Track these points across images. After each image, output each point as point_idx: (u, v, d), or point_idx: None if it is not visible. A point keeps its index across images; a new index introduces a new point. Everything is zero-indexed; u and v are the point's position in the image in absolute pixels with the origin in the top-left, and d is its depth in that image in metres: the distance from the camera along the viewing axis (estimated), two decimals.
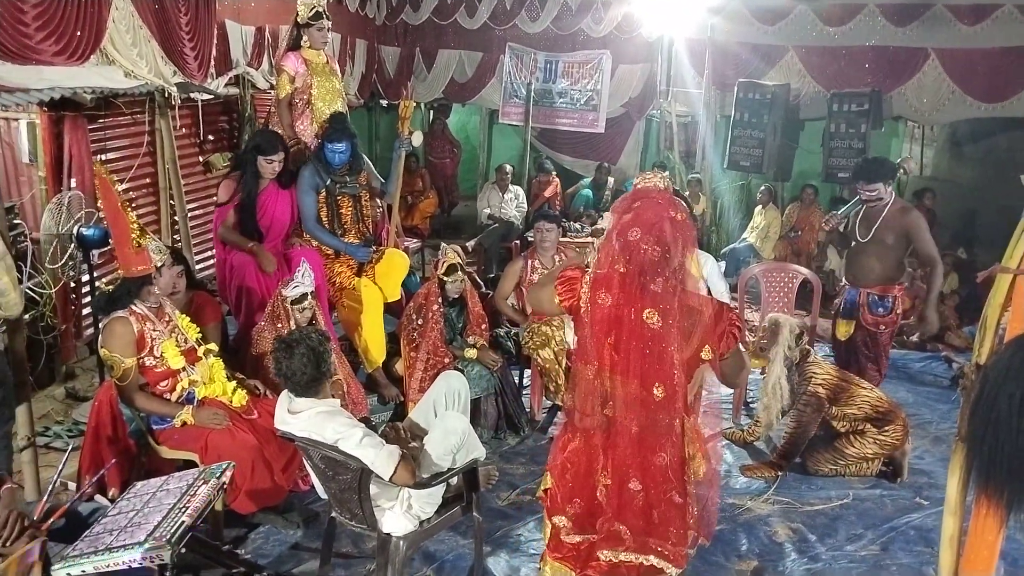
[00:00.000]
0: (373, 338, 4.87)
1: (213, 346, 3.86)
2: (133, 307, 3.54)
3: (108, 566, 2.52)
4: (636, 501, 2.34)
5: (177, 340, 3.65)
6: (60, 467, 2.76)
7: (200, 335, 3.81)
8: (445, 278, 4.61)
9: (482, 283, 5.89)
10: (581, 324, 2.34)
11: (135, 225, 3.49)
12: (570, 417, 2.45)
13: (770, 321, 4.44)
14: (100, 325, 3.66)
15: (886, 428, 4.24)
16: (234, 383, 3.80)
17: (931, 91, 8.26)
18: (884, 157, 5.53)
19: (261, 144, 4.62)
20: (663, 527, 2.35)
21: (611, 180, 9.70)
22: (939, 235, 8.38)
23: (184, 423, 3.56)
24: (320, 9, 4.87)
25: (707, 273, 5.22)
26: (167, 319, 3.68)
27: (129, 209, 3.54)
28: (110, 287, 3.54)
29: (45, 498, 2.69)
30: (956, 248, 8.21)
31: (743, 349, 2.41)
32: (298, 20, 4.91)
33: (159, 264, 3.81)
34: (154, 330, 3.57)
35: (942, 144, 9.71)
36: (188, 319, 3.84)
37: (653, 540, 2.36)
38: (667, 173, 2.97)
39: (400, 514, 3.03)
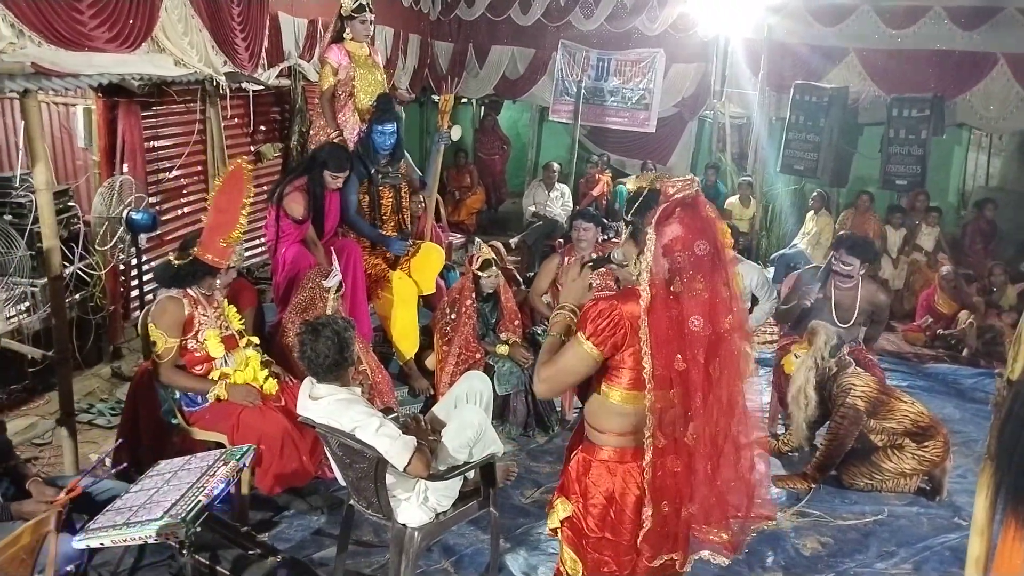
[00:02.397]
0: (405, 331, 4.89)
1: (255, 339, 3.92)
2: (188, 290, 3.63)
3: (125, 540, 2.58)
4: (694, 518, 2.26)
5: (221, 328, 3.72)
6: (110, 448, 2.86)
7: (243, 325, 3.88)
8: (479, 273, 4.61)
9: (520, 279, 5.85)
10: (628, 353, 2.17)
11: (241, 225, 3.58)
12: (657, 440, 2.20)
13: (809, 328, 4.33)
14: (154, 297, 3.71)
15: (926, 444, 4.09)
16: (266, 371, 3.84)
17: (999, 98, 7.97)
18: (870, 240, 5.35)
19: (331, 161, 4.52)
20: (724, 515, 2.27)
21: None
22: (1003, 247, 8.13)
23: (218, 398, 3.63)
24: (363, 2, 4.90)
25: (753, 284, 5.10)
26: (216, 305, 3.76)
27: (246, 211, 3.62)
28: (179, 262, 3.62)
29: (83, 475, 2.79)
30: (1020, 261, 7.87)
31: None
32: (342, 12, 4.96)
33: (230, 265, 3.89)
34: (203, 315, 3.65)
35: (1011, 153, 9.32)
36: (234, 309, 3.91)
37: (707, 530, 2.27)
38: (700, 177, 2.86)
39: (416, 505, 3.03)
